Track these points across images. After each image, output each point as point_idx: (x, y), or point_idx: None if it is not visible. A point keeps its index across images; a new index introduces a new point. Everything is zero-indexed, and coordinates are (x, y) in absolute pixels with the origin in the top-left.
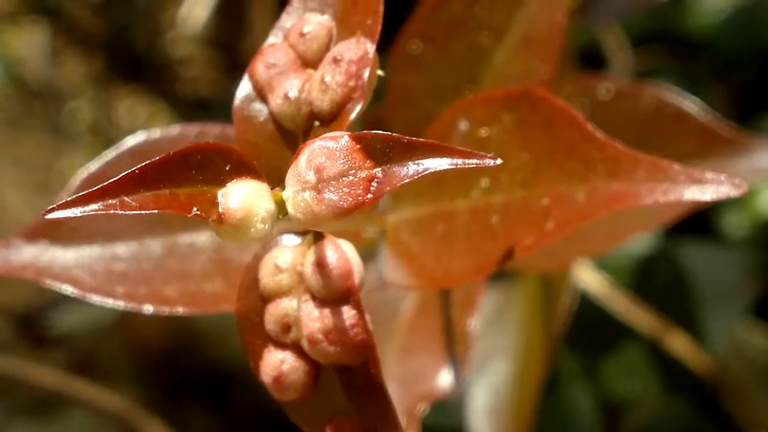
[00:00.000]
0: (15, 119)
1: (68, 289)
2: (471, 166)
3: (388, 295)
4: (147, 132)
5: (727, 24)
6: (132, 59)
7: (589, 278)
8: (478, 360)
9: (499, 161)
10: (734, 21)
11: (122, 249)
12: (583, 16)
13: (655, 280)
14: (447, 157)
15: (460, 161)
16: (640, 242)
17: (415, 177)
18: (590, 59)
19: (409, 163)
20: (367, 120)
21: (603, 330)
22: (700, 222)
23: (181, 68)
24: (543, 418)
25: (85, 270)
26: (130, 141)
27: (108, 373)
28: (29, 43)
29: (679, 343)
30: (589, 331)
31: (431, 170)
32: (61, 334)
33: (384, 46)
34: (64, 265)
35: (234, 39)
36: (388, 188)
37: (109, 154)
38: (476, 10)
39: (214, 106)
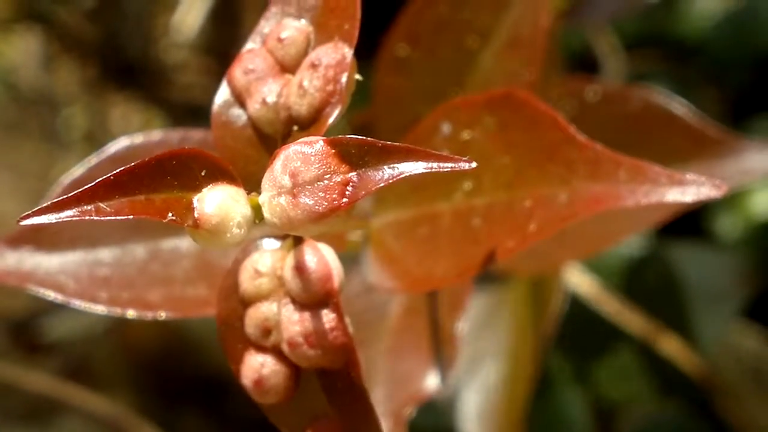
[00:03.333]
0: (10, 127)
1: (52, 295)
2: (446, 170)
3: (375, 298)
4: (130, 137)
5: (719, 28)
6: (125, 66)
7: (579, 280)
8: (469, 363)
9: (474, 165)
10: (727, 25)
11: (106, 254)
12: (574, 18)
13: (647, 282)
14: (422, 161)
15: (435, 165)
16: (630, 244)
17: (391, 181)
18: (584, 63)
19: (385, 167)
20: (354, 123)
21: (594, 332)
22: (691, 224)
23: (174, 75)
24: (534, 422)
25: (68, 275)
26: (113, 147)
27: (102, 380)
28: (23, 51)
29: (671, 346)
30: (580, 334)
31: (406, 174)
32: (55, 341)
33: (371, 49)
34: (48, 270)
35: (227, 46)
36: (363, 192)
37: (92, 160)
38: (462, 13)
39: (207, 113)
